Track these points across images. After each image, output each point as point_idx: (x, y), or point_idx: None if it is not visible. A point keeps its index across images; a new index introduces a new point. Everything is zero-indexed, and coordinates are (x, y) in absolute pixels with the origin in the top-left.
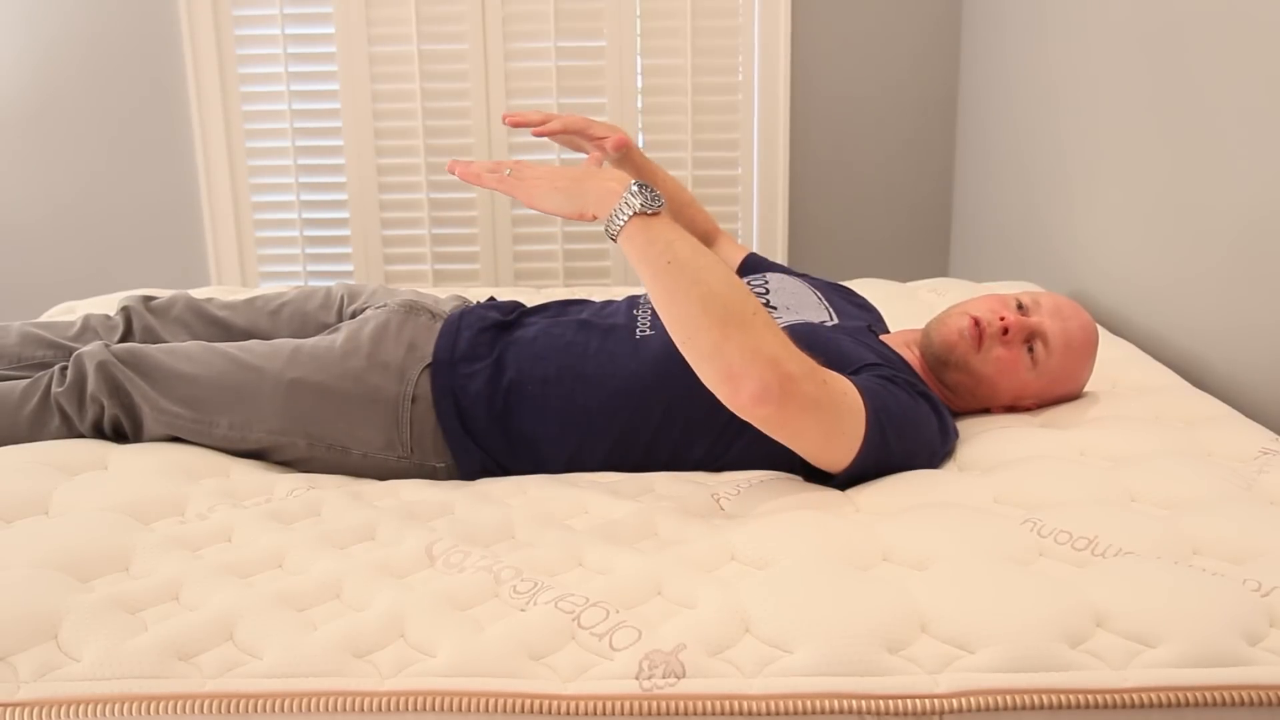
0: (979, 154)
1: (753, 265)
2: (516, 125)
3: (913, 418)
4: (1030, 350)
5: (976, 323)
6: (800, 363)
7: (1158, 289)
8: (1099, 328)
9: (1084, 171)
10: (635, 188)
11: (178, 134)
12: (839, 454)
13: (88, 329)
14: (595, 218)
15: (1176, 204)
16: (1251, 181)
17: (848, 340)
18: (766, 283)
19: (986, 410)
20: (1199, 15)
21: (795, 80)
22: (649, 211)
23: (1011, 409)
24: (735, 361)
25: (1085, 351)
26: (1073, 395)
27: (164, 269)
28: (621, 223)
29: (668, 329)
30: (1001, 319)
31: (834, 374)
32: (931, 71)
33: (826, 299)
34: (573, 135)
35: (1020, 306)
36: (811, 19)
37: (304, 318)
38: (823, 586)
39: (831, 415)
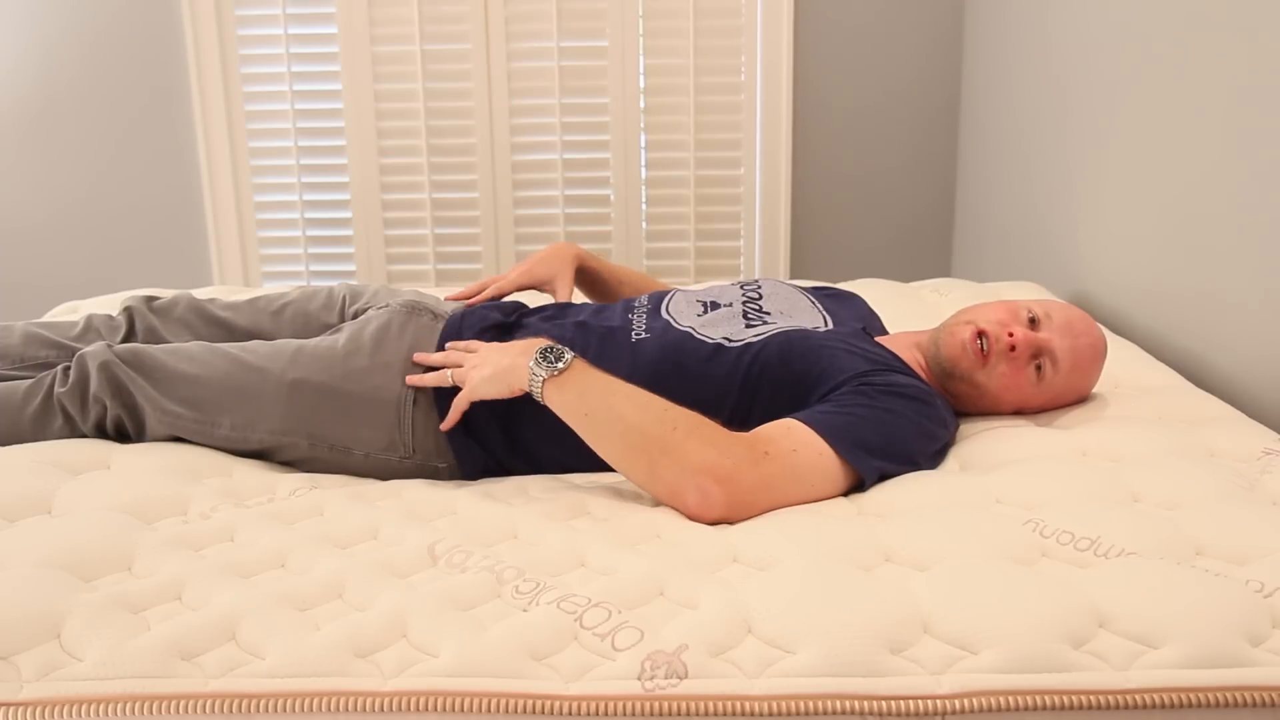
0: (981, 154)
1: None
2: (459, 299)
3: (898, 433)
4: (1038, 368)
5: (982, 335)
6: (734, 453)
7: (1160, 289)
8: (1101, 327)
9: (1086, 172)
10: (537, 357)
11: (180, 134)
12: (825, 495)
13: (90, 329)
14: (525, 391)
15: (1179, 205)
16: (1254, 182)
17: (840, 345)
18: (760, 288)
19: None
20: (1201, 16)
21: (798, 80)
22: (554, 374)
23: (1015, 414)
24: (671, 482)
25: (1092, 368)
26: (1077, 402)
27: (166, 269)
28: (539, 391)
29: (611, 466)
30: (1010, 335)
31: (778, 435)
32: (934, 72)
33: (820, 304)
34: (523, 288)
35: (1032, 320)
36: (814, 19)
37: (306, 318)
38: (825, 587)
39: (788, 480)
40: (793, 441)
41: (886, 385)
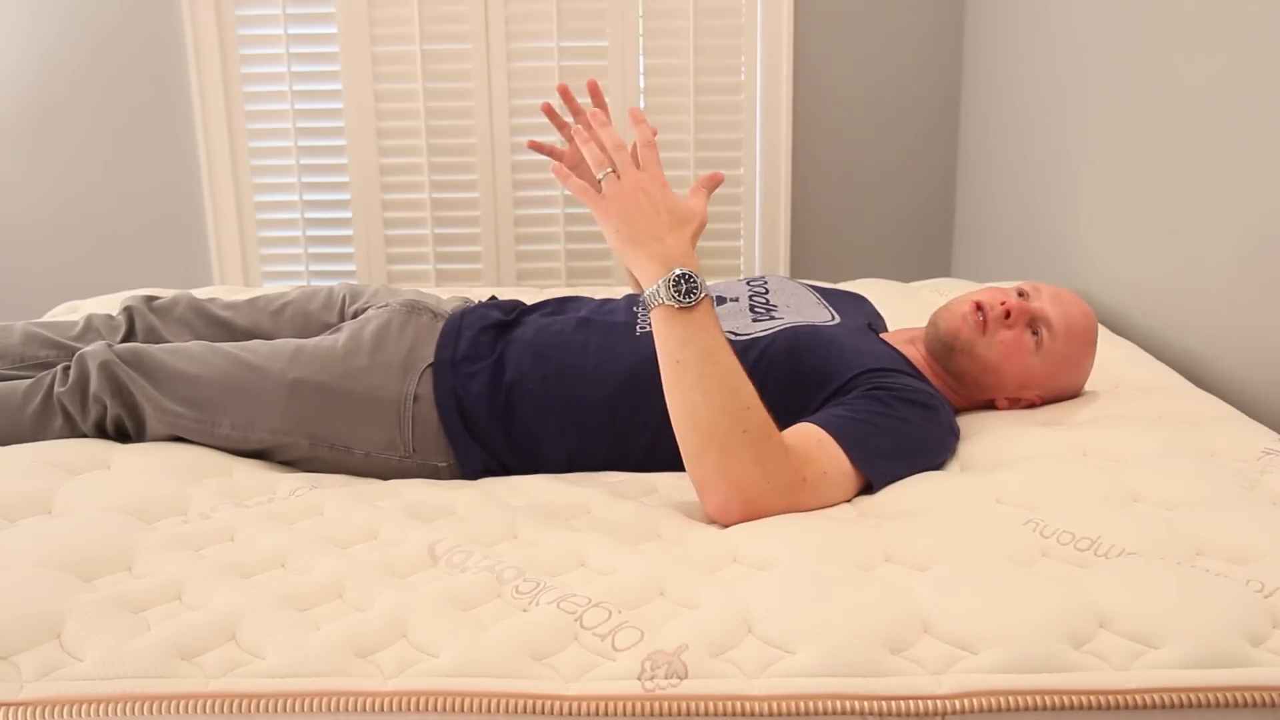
0: (981, 154)
1: None
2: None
3: (911, 441)
4: (1035, 334)
5: (979, 306)
6: (777, 480)
7: (1160, 289)
8: (1101, 326)
9: (1087, 171)
10: (672, 279)
11: (180, 134)
12: (836, 504)
13: (90, 329)
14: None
15: (1179, 204)
16: (1254, 182)
17: (849, 340)
18: (766, 284)
19: (991, 404)
20: (1203, 16)
21: (798, 80)
22: (675, 307)
23: (1016, 401)
24: (708, 474)
25: (1087, 338)
26: (1075, 389)
27: (166, 269)
28: (653, 306)
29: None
30: (1003, 303)
31: (813, 452)
32: (934, 71)
33: (827, 300)
34: None
35: (1021, 294)
36: (814, 18)
37: (306, 317)
38: (825, 587)
39: (811, 502)
40: (824, 462)
41: (899, 390)
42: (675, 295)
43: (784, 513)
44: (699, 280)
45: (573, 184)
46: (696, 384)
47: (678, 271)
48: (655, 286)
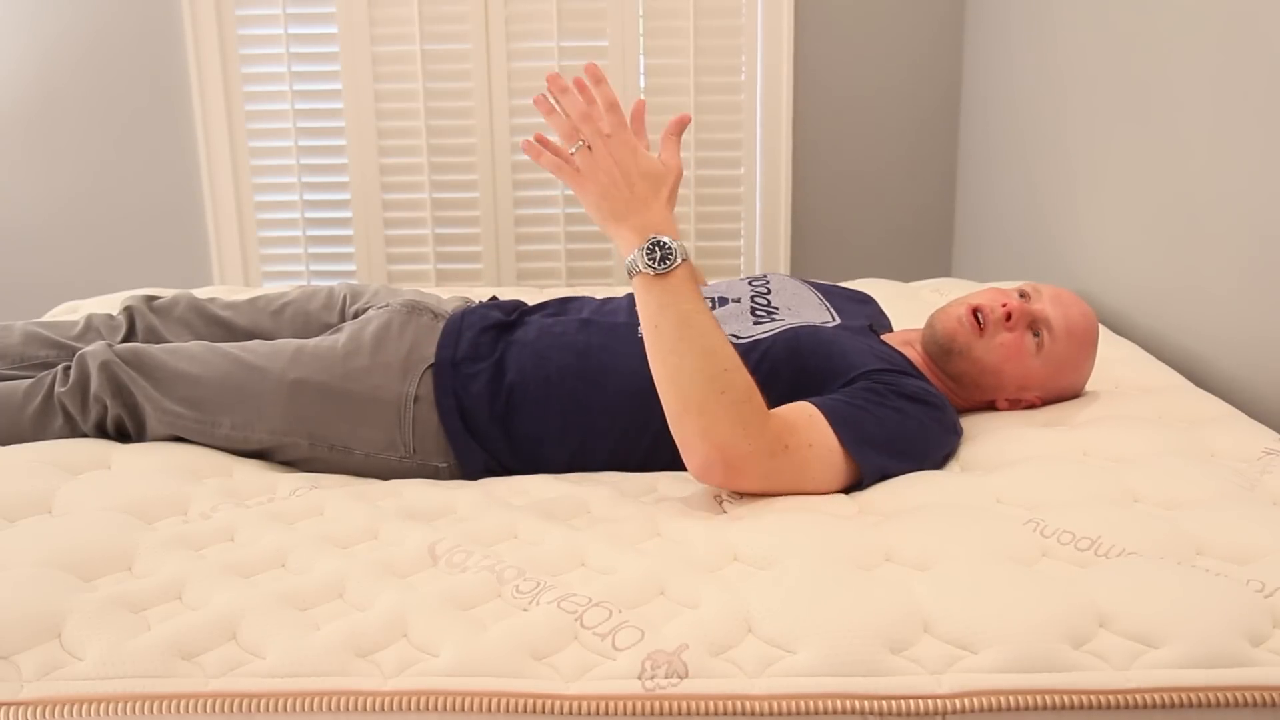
0: (982, 153)
1: None
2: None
3: (905, 433)
4: (1035, 335)
5: (977, 310)
6: (757, 441)
7: (1161, 289)
8: (1101, 326)
9: (1087, 171)
10: (647, 248)
11: (181, 133)
12: (824, 489)
13: (90, 329)
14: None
15: (1180, 204)
16: (1255, 182)
17: (849, 341)
18: (768, 283)
19: (991, 405)
20: (1204, 16)
21: (798, 80)
22: (651, 274)
23: (1016, 402)
24: (688, 437)
25: (1087, 339)
26: (1075, 390)
27: (167, 269)
28: (632, 274)
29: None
30: (1003, 305)
31: (800, 425)
32: (935, 71)
33: (827, 299)
34: None
35: (1021, 295)
36: (814, 18)
37: (306, 318)
38: (825, 587)
39: (794, 476)
40: (811, 435)
41: (901, 386)
42: (651, 263)
43: (767, 480)
44: (674, 247)
45: (546, 160)
46: (674, 347)
47: (653, 239)
48: (632, 256)
